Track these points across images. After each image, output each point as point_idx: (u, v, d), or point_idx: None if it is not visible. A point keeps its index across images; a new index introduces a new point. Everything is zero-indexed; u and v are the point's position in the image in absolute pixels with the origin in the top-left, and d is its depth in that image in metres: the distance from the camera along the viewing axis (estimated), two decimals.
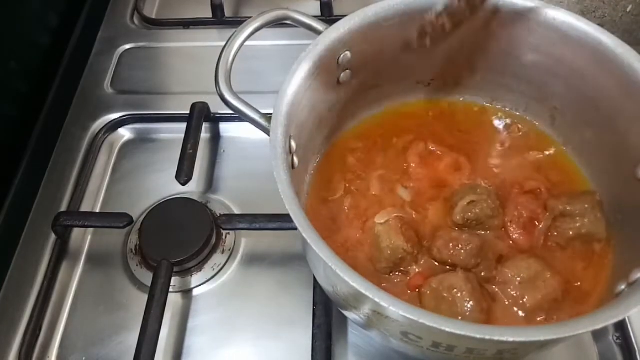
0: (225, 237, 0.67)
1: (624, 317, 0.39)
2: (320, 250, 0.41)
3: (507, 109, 0.64)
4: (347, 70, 0.57)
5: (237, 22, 0.86)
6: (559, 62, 0.56)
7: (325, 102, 0.57)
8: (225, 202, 0.70)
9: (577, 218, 0.53)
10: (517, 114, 0.64)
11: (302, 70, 0.52)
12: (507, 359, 0.44)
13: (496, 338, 0.37)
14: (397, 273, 0.53)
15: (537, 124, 0.63)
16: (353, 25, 0.54)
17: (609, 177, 0.56)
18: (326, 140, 0.61)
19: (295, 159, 0.52)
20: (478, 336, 0.37)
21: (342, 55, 0.55)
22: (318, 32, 0.55)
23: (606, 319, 0.39)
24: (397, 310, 0.39)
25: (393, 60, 0.60)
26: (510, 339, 0.37)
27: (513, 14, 0.55)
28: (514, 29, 0.56)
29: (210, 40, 0.88)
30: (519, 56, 0.58)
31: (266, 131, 0.49)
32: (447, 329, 0.37)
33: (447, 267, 0.53)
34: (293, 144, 0.51)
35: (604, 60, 0.52)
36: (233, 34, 0.54)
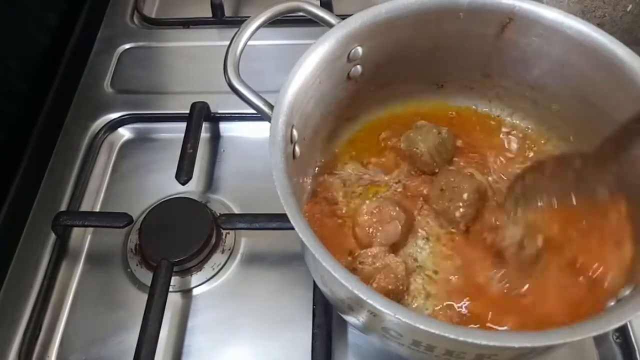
0: (225, 236, 0.67)
1: (604, 332, 0.39)
2: (303, 233, 0.41)
3: (518, 116, 0.64)
4: (358, 66, 0.57)
5: (237, 22, 0.87)
6: (572, 71, 0.55)
7: (333, 96, 0.57)
8: (225, 201, 0.70)
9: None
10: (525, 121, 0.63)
11: (310, 61, 0.52)
12: None
13: (469, 340, 0.37)
14: None
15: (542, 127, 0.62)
16: (365, 22, 0.54)
17: None
18: (331, 134, 0.61)
19: (297, 149, 0.52)
20: (451, 336, 0.37)
21: (352, 50, 0.55)
22: (330, 25, 0.55)
23: (586, 332, 0.39)
24: (377, 305, 0.39)
25: (406, 59, 0.59)
26: (484, 342, 0.37)
27: (527, 21, 0.55)
28: (528, 36, 0.56)
29: (210, 39, 0.88)
30: (532, 64, 0.58)
31: (270, 120, 0.49)
32: (422, 327, 0.38)
33: None
34: (295, 133, 0.51)
35: (618, 74, 0.51)
36: (245, 23, 0.54)
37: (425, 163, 0.59)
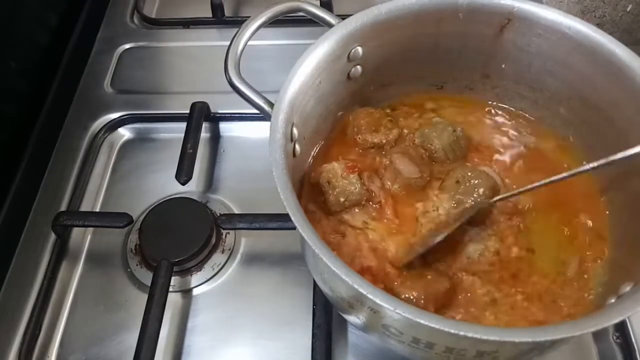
0: (225, 236, 0.67)
1: (603, 327, 0.39)
2: (302, 228, 0.41)
3: (520, 117, 0.63)
4: (358, 66, 0.57)
5: (237, 22, 0.87)
6: (572, 71, 0.55)
7: (333, 95, 0.57)
8: (225, 201, 0.70)
9: None
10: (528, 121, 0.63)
11: (310, 61, 0.52)
12: None
13: (470, 334, 0.37)
14: None
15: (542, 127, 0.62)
16: (365, 22, 0.54)
17: (613, 191, 0.55)
18: (331, 134, 0.61)
19: (297, 147, 0.52)
20: (451, 330, 0.38)
21: (353, 50, 0.55)
22: (330, 25, 0.55)
23: (586, 327, 0.39)
24: (377, 300, 0.39)
25: (406, 59, 0.60)
26: (484, 337, 0.37)
27: (526, 21, 0.55)
28: (528, 36, 0.56)
29: (210, 39, 0.88)
30: (532, 64, 0.58)
31: (270, 118, 0.49)
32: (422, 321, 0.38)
33: None
34: (295, 131, 0.51)
35: (617, 74, 0.52)
36: (245, 23, 0.54)
37: (439, 160, 0.59)
